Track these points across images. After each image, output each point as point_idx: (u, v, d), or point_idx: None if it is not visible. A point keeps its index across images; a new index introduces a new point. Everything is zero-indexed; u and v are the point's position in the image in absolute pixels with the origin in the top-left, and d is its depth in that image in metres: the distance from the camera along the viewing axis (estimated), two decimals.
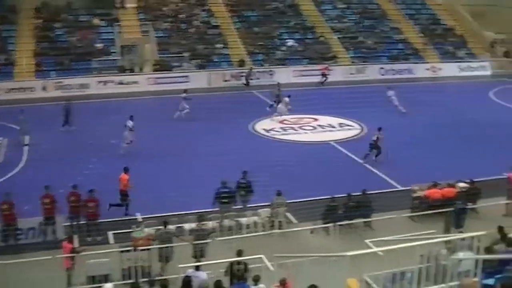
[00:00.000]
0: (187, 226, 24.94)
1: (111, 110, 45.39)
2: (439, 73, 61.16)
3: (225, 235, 25.31)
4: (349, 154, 36.53)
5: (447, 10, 71.39)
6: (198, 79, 53.87)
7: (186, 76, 54.53)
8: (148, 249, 22.03)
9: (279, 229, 26.06)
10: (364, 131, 41.17)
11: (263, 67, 57.04)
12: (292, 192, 27.78)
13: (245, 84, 54.65)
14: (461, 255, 15.34)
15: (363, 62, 60.88)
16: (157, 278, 20.86)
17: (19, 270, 20.80)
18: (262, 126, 42.21)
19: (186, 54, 57.20)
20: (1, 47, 54.76)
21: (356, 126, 42.37)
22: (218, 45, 59.47)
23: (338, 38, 63.36)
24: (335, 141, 39.21)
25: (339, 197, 27.14)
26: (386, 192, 30.40)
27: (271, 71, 56.36)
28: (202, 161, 34.69)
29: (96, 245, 24.28)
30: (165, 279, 19.83)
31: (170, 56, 57.01)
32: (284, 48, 60.74)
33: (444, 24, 69.43)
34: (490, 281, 13.53)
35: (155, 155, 34.99)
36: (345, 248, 17.26)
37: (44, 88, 50.76)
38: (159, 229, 23.39)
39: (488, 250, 16.86)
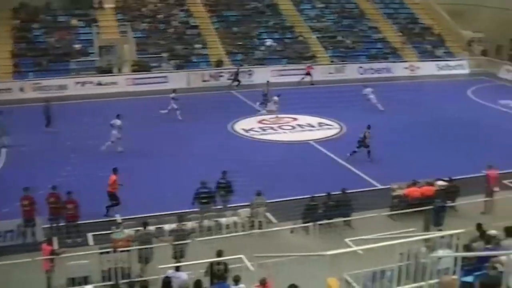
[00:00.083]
0: (167, 226, 24.88)
1: (89, 111, 45.14)
2: (417, 72, 61.34)
3: (205, 235, 25.29)
4: (329, 154, 36.59)
5: (425, 9, 71.72)
6: (177, 80, 53.58)
7: (165, 77, 54.34)
8: (127, 250, 21.97)
9: (259, 229, 26.10)
10: (344, 130, 41.28)
11: (242, 67, 56.92)
12: (271, 191, 27.78)
13: (236, 83, 54.45)
14: (440, 253, 15.40)
15: (342, 61, 60.92)
16: (137, 279, 20.86)
17: None
18: (241, 126, 42.17)
19: (164, 55, 57.03)
20: None
21: (336, 125, 42.43)
22: (197, 45, 59.35)
23: (317, 37, 63.41)
24: (314, 140, 39.26)
25: (318, 196, 27.17)
26: (366, 191, 30.51)
27: (250, 71, 56.25)
28: (181, 161, 34.65)
29: (75, 247, 24.10)
30: (145, 280, 19.80)
31: (148, 57, 56.76)
32: (263, 47, 60.72)
33: (422, 23, 69.69)
34: (469, 279, 13.61)
35: (132, 155, 34.81)
36: (325, 247, 17.29)
37: (21, 89, 50.35)
38: (138, 230, 23.34)
39: (467, 247, 16.96)
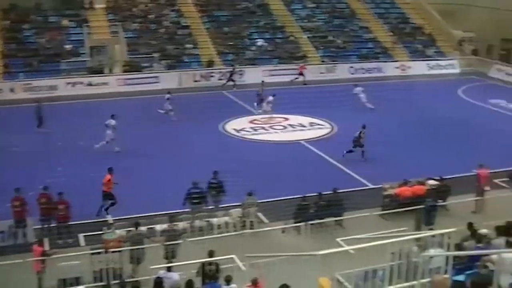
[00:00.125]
0: (159, 227, 24.85)
1: (80, 111, 45.14)
2: (408, 72, 61.42)
3: (196, 235, 25.25)
4: (320, 153, 36.60)
5: (416, 9, 71.83)
6: (168, 80, 53.55)
7: (156, 77, 54.29)
8: (119, 251, 21.94)
9: (251, 229, 26.12)
10: (335, 130, 41.30)
11: (238, 67, 56.89)
12: (263, 192, 27.73)
13: (229, 83, 54.38)
14: (431, 252, 15.42)
15: (333, 61, 60.94)
16: (128, 279, 20.79)
17: None
18: (233, 126, 42.15)
19: (156, 55, 56.94)
20: None
21: (327, 125, 42.45)
22: (188, 46, 59.32)
23: (308, 37, 63.44)
24: (305, 140, 39.28)
25: (310, 196, 27.19)
26: (357, 190, 30.56)
27: (241, 71, 56.17)
28: (172, 162, 34.61)
29: (67, 247, 24.05)
30: (136, 280, 19.80)
31: (140, 57, 56.68)
32: (254, 48, 60.72)
33: (413, 23, 69.79)
34: (461, 278, 13.62)
35: (123, 156, 34.73)
36: (316, 247, 17.29)
37: (12, 90, 50.17)
38: (130, 230, 23.32)
39: (458, 246, 16.99)
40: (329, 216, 26.78)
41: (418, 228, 24.95)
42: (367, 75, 59.05)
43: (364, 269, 16.11)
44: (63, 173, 31.81)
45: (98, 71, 54.86)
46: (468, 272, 13.92)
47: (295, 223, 26.27)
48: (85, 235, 25.43)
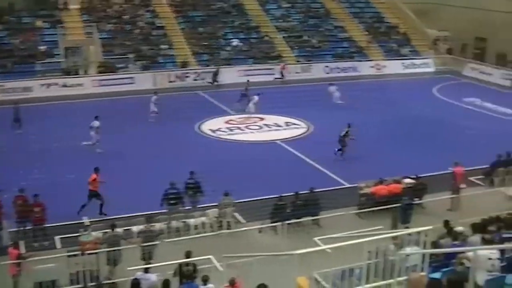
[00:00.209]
0: (135, 228, 24.77)
1: (55, 113, 44.85)
2: (383, 71, 61.71)
3: (173, 236, 25.23)
4: (296, 153, 36.63)
5: (391, 8, 72.06)
6: (143, 81, 53.45)
7: (131, 78, 54.09)
8: (96, 252, 21.83)
9: (228, 229, 26.10)
10: (311, 130, 41.35)
11: (209, 67, 56.85)
12: (239, 191, 27.76)
13: (211, 83, 54.34)
14: (408, 250, 15.47)
15: (308, 61, 61.01)
16: (105, 281, 20.73)
17: None
18: (209, 126, 42.08)
19: (131, 56, 56.72)
20: None
21: (303, 124, 42.49)
22: (163, 46, 59.13)
23: (283, 37, 63.47)
24: (281, 140, 39.29)
25: (286, 196, 27.21)
26: (333, 189, 30.64)
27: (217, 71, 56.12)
28: (149, 162, 34.48)
29: (43, 250, 23.94)
30: (114, 282, 19.75)
31: (114, 58, 56.43)
32: (229, 48, 60.66)
33: (387, 22, 70.05)
34: (437, 275, 13.67)
35: (99, 157, 34.50)
36: (293, 247, 17.29)
37: None
38: (106, 232, 23.23)
39: (435, 244, 17.06)
40: (305, 216, 26.82)
41: (394, 227, 25.04)
42: (342, 74, 59.14)
43: (341, 268, 16.13)
44: (39, 175, 31.63)
45: (73, 72, 54.55)
46: (444, 269, 13.99)
47: (272, 222, 26.29)
48: (61, 238, 25.23)
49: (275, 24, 65.27)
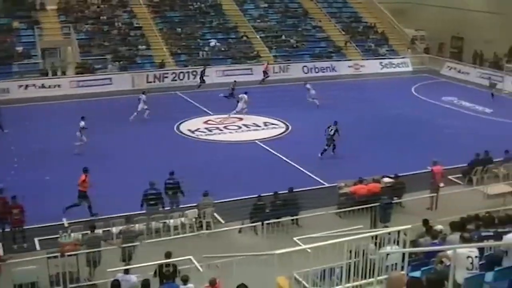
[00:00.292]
0: (115, 229, 24.68)
1: (33, 114, 44.53)
2: (361, 70, 61.88)
3: (153, 237, 25.17)
4: (275, 153, 36.62)
5: (368, 8, 72.28)
6: (122, 81, 53.31)
7: (109, 79, 53.87)
8: (75, 254, 21.73)
9: (207, 229, 26.05)
10: (289, 130, 41.37)
11: (187, 67, 56.76)
12: (219, 192, 27.81)
13: (200, 84, 54.12)
14: (388, 249, 15.50)
15: (286, 60, 61.08)
16: (86, 283, 20.66)
17: None
18: (187, 127, 41.99)
19: (108, 56, 56.51)
20: None
21: (281, 124, 42.49)
22: (141, 47, 58.97)
23: (261, 37, 63.49)
24: (260, 140, 39.28)
25: (266, 195, 27.23)
26: (313, 189, 30.68)
27: (194, 71, 56.04)
28: (127, 163, 34.37)
29: (22, 252, 23.83)
30: (94, 284, 19.67)
31: (92, 58, 56.15)
32: (207, 48, 60.56)
33: (365, 22, 70.28)
34: (417, 274, 13.71)
35: (78, 158, 34.28)
36: (273, 247, 17.32)
37: None
38: (86, 233, 23.12)
39: (414, 243, 17.11)
40: (285, 215, 26.82)
41: (374, 226, 25.11)
42: (320, 74, 59.34)
43: (322, 267, 16.14)
44: (17, 177, 31.42)
45: (51, 73, 54.25)
46: (424, 268, 14.04)
47: (251, 223, 26.28)
48: (40, 239, 25.07)
49: (253, 24, 65.30)
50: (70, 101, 49.13)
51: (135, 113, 42.21)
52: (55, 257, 21.40)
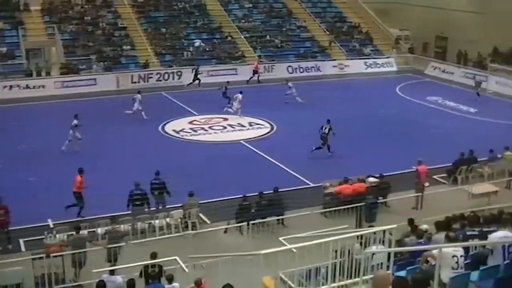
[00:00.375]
0: (100, 230, 24.62)
1: (17, 115, 44.32)
2: (346, 70, 61.96)
3: (138, 238, 25.12)
4: (260, 153, 36.62)
5: (352, 7, 72.38)
6: (106, 82, 53.17)
7: (94, 79, 53.68)
8: (61, 255, 21.66)
9: (193, 230, 26.00)
10: (274, 129, 41.37)
11: (171, 68, 56.69)
12: (204, 192, 27.78)
13: (198, 84, 53.99)
14: (373, 248, 15.53)
15: (271, 60, 61.08)
16: (71, 284, 20.59)
17: None
18: (172, 127, 41.92)
19: (93, 57, 56.32)
20: None
21: (266, 124, 42.50)
22: (125, 47, 58.82)
23: (245, 37, 63.47)
24: (245, 140, 39.26)
25: (251, 196, 27.23)
26: (298, 189, 30.69)
27: (179, 71, 55.99)
28: (112, 163, 34.23)
29: (7, 253, 23.74)
30: (79, 285, 19.62)
31: (77, 59, 55.96)
32: (191, 48, 60.48)
33: (349, 22, 70.36)
34: (402, 273, 13.74)
35: (63, 159, 34.28)
36: (259, 247, 17.34)
37: None
38: (71, 234, 23.05)
39: (400, 243, 17.15)
40: (270, 216, 26.82)
41: (359, 225, 25.17)
42: (305, 74, 59.41)
43: (307, 267, 16.16)
44: (1, 178, 31.25)
45: (35, 74, 54.03)
46: (409, 267, 14.07)
47: (237, 223, 26.27)
48: (25, 240, 24.96)
49: (238, 24, 65.24)
50: (55, 101, 48.93)
51: (131, 112, 42.23)
52: (40, 258, 21.32)
